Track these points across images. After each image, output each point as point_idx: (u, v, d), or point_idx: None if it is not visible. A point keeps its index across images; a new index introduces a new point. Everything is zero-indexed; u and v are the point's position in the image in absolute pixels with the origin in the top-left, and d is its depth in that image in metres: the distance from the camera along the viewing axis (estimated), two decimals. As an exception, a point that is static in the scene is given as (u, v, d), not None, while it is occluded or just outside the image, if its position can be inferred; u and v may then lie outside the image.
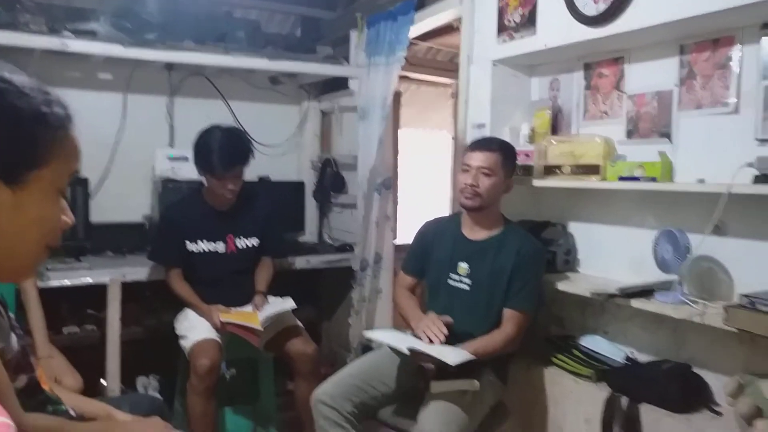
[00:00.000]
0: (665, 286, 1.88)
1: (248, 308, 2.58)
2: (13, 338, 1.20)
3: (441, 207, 4.32)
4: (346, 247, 3.28)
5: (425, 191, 4.63)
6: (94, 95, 3.17)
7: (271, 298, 2.63)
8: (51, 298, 2.36)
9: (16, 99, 0.76)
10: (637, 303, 1.88)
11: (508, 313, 2.01)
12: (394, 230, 3.31)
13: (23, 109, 0.76)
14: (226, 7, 3.32)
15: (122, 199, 3.17)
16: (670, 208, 1.99)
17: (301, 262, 3.08)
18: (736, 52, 1.81)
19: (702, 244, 1.79)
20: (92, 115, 3.09)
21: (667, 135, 1.99)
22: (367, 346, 2.20)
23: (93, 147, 3.08)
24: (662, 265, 1.87)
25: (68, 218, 0.87)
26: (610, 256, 2.22)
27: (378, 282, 3.20)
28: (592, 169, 2.08)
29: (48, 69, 2.92)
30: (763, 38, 1.74)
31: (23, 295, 2.23)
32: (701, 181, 1.81)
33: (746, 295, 1.59)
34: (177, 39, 2.92)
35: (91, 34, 2.76)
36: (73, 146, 0.84)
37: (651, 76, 2.06)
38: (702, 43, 1.89)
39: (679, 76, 1.96)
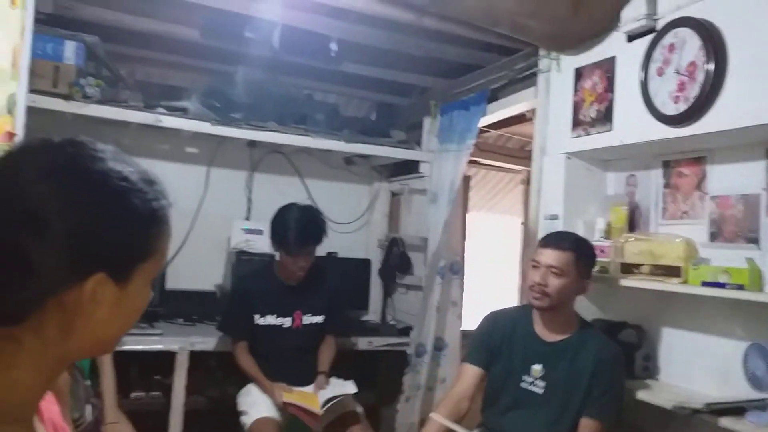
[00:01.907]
0: (758, 405, 1.73)
1: (310, 388, 2.56)
2: (88, 409, 1.24)
3: (509, 294, 4.23)
4: (409, 330, 3.24)
5: (493, 277, 4.57)
6: (179, 167, 3.37)
7: (333, 380, 2.61)
8: (121, 361, 2.43)
9: (132, 198, 0.73)
10: (726, 421, 1.73)
11: (586, 423, 1.89)
12: (461, 317, 3.25)
13: (138, 208, 0.73)
14: (308, 90, 3.51)
15: (197, 267, 3.28)
16: (759, 319, 1.86)
17: (363, 343, 3.06)
18: (829, 159, 1.73)
19: (797, 361, 1.66)
20: (176, 186, 3.20)
21: (755, 240, 1.90)
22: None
23: (174, 216, 3.19)
24: (754, 381, 1.74)
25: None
26: (693, 365, 2.08)
27: (439, 369, 3.12)
28: (672, 271, 1.99)
29: (141, 141, 3.15)
30: None
31: (98, 359, 2.32)
32: (795, 292, 1.70)
33: None
34: (261, 119, 3.09)
35: (183, 111, 2.96)
36: (169, 235, 0.82)
37: (736, 178, 1.98)
38: (792, 148, 1.83)
39: (766, 179, 1.89)
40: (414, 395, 3.08)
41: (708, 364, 2.02)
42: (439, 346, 3.14)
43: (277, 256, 2.66)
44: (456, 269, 3.19)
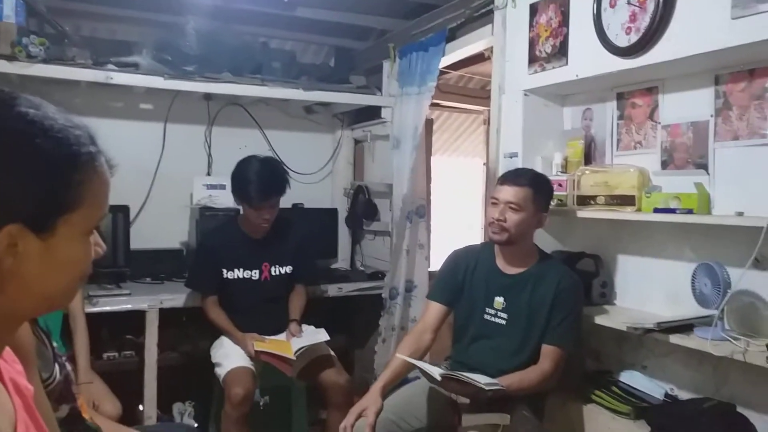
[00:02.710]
0: (705, 321, 1.82)
1: (282, 336, 2.60)
2: (56, 368, 1.24)
3: (474, 234, 4.30)
4: (378, 275, 3.29)
5: (458, 218, 4.62)
6: (135, 125, 3.29)
7: (306, 328, 2.66)
8: (92, 323, 2.42)
9: (44, 142, 0.67)
10: (675, 338, 1.83)
11: (546, 349, 1.97)
12: (428, 258, 3.31)
13: (52, 153, 0.68)
14: (263, 38, 3.42)
15: (161, 226, 3.25)
16: (707, 240, 1.94)
17: (333, 290, 3.10)
18: (773, 83, 1.78)
19: (742, 278, 1.74)
20: (133, 144, 3.21)
21: (703, 166, 1.96)
22: (403, 380, 2.17)
23: (134, 175, 3.19)
24: (701, 299, 1.83)
25: (100, 248, 0.81)
26: (647, 289, 2.17)
27: (411, 310, 3.19)
28: (627, 200, 2.05)
29: (92, 100, 3.07)
30: (803, 69, 1.71)
31: (71, 321, 2.32)
32: (740, 213, 1.76)
33: (790, 333, 1.54)
34: (215, 70, 3.02)
35: (134, 67, 2.87)
36: (102, 184, 0.75)
37: (686, 106, 2.02)
38: (737, 73, 1.86)
39: (714, 106, 1.93)
40: (389, 336, 3.16)
41: (660, 286, 2.11)
42: (409, 287, 3.21)
43: (241, 209, 2.64)
44: (422, 213, 3.22)
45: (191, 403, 2.99)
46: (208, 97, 3.31)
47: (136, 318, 2.70)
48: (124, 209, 2.97)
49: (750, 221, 1.68)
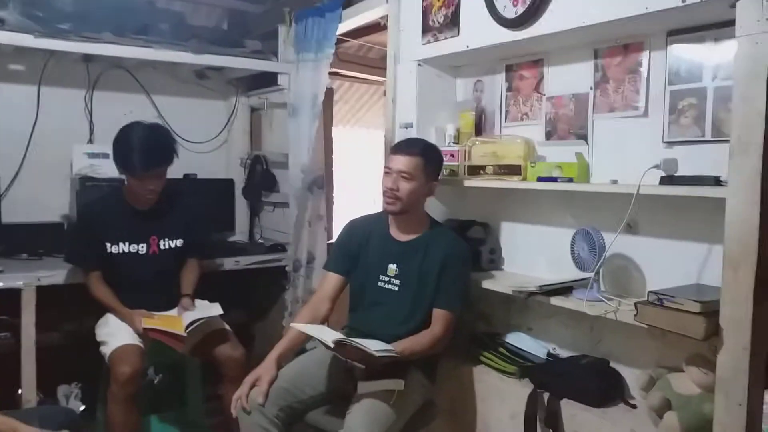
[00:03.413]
0: (583, 284, 1.94)
1: (173, 312, 2.50)
2: None
3: (377, 206, 4.31)
4: (278, 247, 3.23)
5: (361, 190, 4.62)
6: (4, 87, 3.00)
7: (199, 302, 2.56)
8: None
9: None
10: (556, 300, 1.94)
11: (437, 313, 2.02)
12: (328, 230, 3.28)
13: None
14: (149, -3, 3.20)
15: (38, 198, 3.01)
16: (586, 207, 2.05)
17: (229, 263, 3.01)
18: (644, 57, 1.89)
19: (616, 242, 1.86)
20: (4, 108, 2.94)
21: (583, 137, 2.06)
22: (301, 350, 2.16)
23: (4, 142, 2.91)
24: (579, 263, 1.93)
25: None
26: (532, 255, 2.28)
27: (311, 282, 3.16)
28: (513, 170, 2.13)
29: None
30: (670, 45, 1.82)
31: None
32: (614, 181, 1.87)
33: (654, 292, 1.65)
34: (94, 29, 2.79)
35: (-1, 23, 2.60)
36: None
37: (568, 79, 2.11)
38: (614, 48, 1.96)
39: (594, 79, 2.03)
40: (295, 309, 3.12)
41: (545, 252, 2.22)
42: (309, 259, 3.18)
43: (125, 180, 2.49)
44: (320, 183, 3.18)
45: (78, 384, 2.82)
46: (87, 58, 3.05)
47: (12, 297, 2.49)
48: (-8, 179, 2.72)
49: (622, 188, 1.78)
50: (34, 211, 2.97)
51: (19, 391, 2.49)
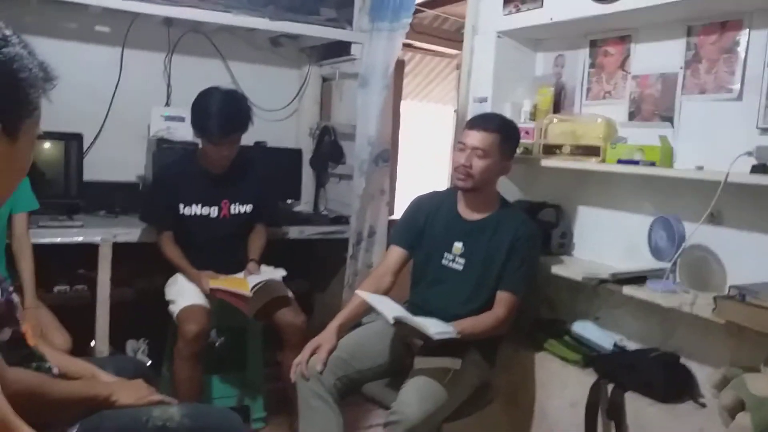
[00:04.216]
0: (658, 274, 1.85)
1: (240, 275, 2.56)
2: None
3: (441, 183, 4.27)
4: (342, 219, 3.24)
5: (427, 166, 4.58)
6: (90, 48, 3.10)
7: (264, 268, 2.61)
8: (42, 255, 2.35)
9: (16, 55, 0.83)
10: (628, 290, 1.86)
11: (501, 296, 1.97)
12: (390, 205, 3.26)
13: (24, 65, 0.84)
14: (229, -36, 3.22)
15: (117, 157, 3.11)
16: (667, 194, 1.94)
17: (294, 232, 3.04)
18: (743, 36, 1.75)
19: (697, 232, 1.76)
20: (88, 70, 3.04)
21: (669, 119, 1.94)
22: (358, 323, 2.17)
23: (88, 102, 3.03)
24: (656, 252, 1.85)
25: None
26: (605, 241, 2.19)
27: (371, 256, 3.16)
28: (592, 151, 2.04)
29: (44, 18, 2.87)
30: (775, 23, 1.68)
31: (16, 245, 2.25)
32: (700, 168, 1.76)
33: (736, 287, 1.57)
34: (177, -7, 2.85)
35: (89, -16, 2.68)
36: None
37: (657, 57, 1.99)
38: (710, 25, 1.83)
39: (684, 58, 1.90)
40: (354, 282, 3.14)
41: (618, 239, 2.13)
42: (370, 233, 3.18)
43: (200, 144, 2.55)
44: (386, 157, 3.16)
45: (145, 340, 2.95)
46: (168, 22, 3.12)
47: (89, 252, 2.61)
48: (77, 137, 2.83)
49: (709, 175, 1.68)
50: (113, 171, 3.07)
51: (92, 343, 2.63)
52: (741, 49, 1.76)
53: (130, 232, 2.67)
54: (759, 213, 1.71)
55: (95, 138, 3.10)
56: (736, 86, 1.77)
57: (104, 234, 2.60)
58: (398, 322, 1.81)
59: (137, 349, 2.90)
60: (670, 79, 1.94)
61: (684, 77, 1.90)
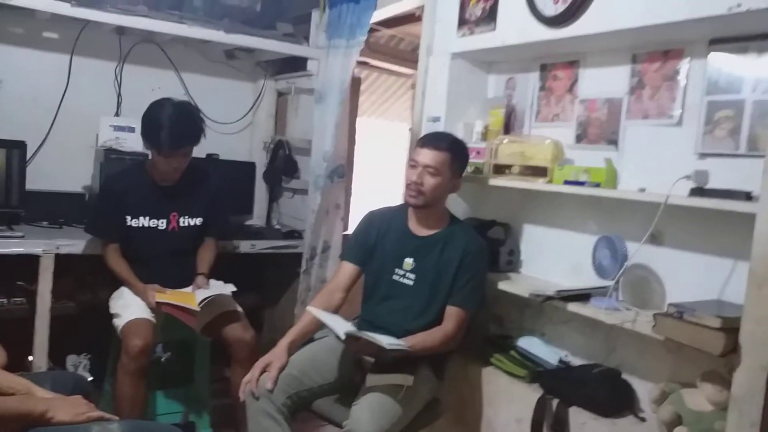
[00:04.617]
0: (602, 292, 1.90)
1: (188, 289, 2.51)
2: None
3: (396, 199, 4.29)
4: (294, 234, 3.23)
5: (381, 182, 4.61)
6: (36, 54, 3.02)
7: (213, 282, 2.57)
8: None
9: None
10: (573, 307, 1.91)
11: (450, 311, 2.00)
12: (344, 220, 3.27)
13: None
14: (185, -26, 3.19)
15: (62, 167, 3.03)
16: (611, 214, 2.01)
17: (246, 246, 3.01)
18: (684, 65, 1.84)
19: (639, 252, 1.82)
20: (35, 76, 2.96)
21: (614, 142, 2.02)
22: (310, 339, 2.15)
23: (33, 109, 2.95)
24: (600, 270, 1.90)
25: None
26: (552, 259, 2.25)
27: (325, 272, 3.15)
28: (540, 171, 2.09)
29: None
30: (710, 54, 1.77)
31: None
32: (642, 190, 1.83)
33: (674, 305, 1.62)
34: (130, 2, 2.80)
35: (38, -11, 2.61)
36: None
37: (603, 82, 2.07)
38: (653, 53, 1.91)
39: (629, 85, 1.98)
40: (307, 298, 3.11)
41: (565, 257, 2.19)
42: (324, 248, 3.17)
43: (150, 155, 2.50)
44: (341, 173, 3.17)
45: (87, 356, 2.85)
46: (120, 30, 3.07)
47: (30, 263, 2.51)
48: (20, 145, 2.73)
49: (650, 197, 1.75)
50: (58, 180, 2.98)
51: (30, 358, 2.52)
52: (681, 78, 1.85)
53: (74, 243, 2.59)
54: (697, 234, 1.79)
55: (40, 146, 3.01)
56: (677, 112, 1.86)
57: (46, 245, 2.51)
58: (349, 338, 1.81)
59: (78, 364, 2.80)
60: (615, 104, 2.02)
61: (628, 102, 1.99)
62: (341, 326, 1.85)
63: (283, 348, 1.98)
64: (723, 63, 1.75)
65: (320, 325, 2.04)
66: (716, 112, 1.75)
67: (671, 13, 1.65)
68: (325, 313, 1.97)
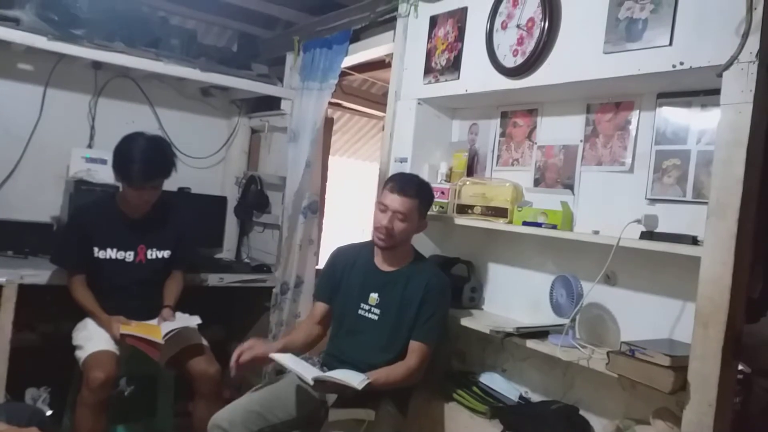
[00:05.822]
0: (559, 329, 1.97)
1: (154, 322, 2.50)
2: None
3: (364, 236, 4.35)
4: (263, 268, 3.25)
5: (351, 219, 4.67)
6: (10, 85, 3.04)
7: (179, 314, 2.56)
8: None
9: None
10: (531, 343, 1.97)
11: (413, 345, 2.04)
12: (317, 254, 3.31)
13: None
14: (163, 13, 3.28)
15: (30, 197, 3.03)
16: (568, 255, 2.10)
17: (214, 279, 3.02)
18: (634, 116, 1.96)
19: (593, 291, 1.90)
20: (6, 106, 2.98)
21: (570, 186, 2.12)
22: (279, 371, 2.17)
23: (3, 138, 2.95)
24: (557, 308, 1.97)
25: None
26: (513, 296, 2.32)
27: (297, 306, 3.18)
28: (500, 212, 2.18)
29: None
30: (658, 107, 1.90)
31: None
32: (596, 232, 1.92)
33: (627, 343, 1.69)
34: (106, 38, 2.86)
35: (14, 22, 2.66)
36: None
37: (560, 130, 2.19)
38: (606, 104, 2.04)
39: (584, 132, 2.10)
40: (279, 333, 3.12)
41: (524, 295, 2.26)
42: (297, 283, 3.20)
43: (121, 187, 2.52)
44: (314, 208, 3.22)
45: (47, 389, 2.78)
46: (97, 65, 3.12)
47: (-8, 293, 2.48)
48: (-13, 174, 2.74)
49: (604, 239, 1.83)
50: (25, 210, 2.98)
51: (-13, 389, 2.47)
52: (632, 128, 1.97)
53: (38, 273, 2.57)
54: (647, 275, 1.88)
55: (8, 176, 3.00)
56: (628, 160, 1.97)
57: (10, 275, 2.49)
58: (318, 382, 1.83)
59: (38, 397, 2.73)
60: (571, 151, 2.14)
61: (583, 149, 2.10)
62: (308, 372, 1.88)
63: (275, 344, 2.11)
64: (670, 115, 1.87)
65: (304, 348, 2.14)
66: (664, 161, 1.86)
67: (621, 68, 1.77)
68: (291, 358, 1.99)
